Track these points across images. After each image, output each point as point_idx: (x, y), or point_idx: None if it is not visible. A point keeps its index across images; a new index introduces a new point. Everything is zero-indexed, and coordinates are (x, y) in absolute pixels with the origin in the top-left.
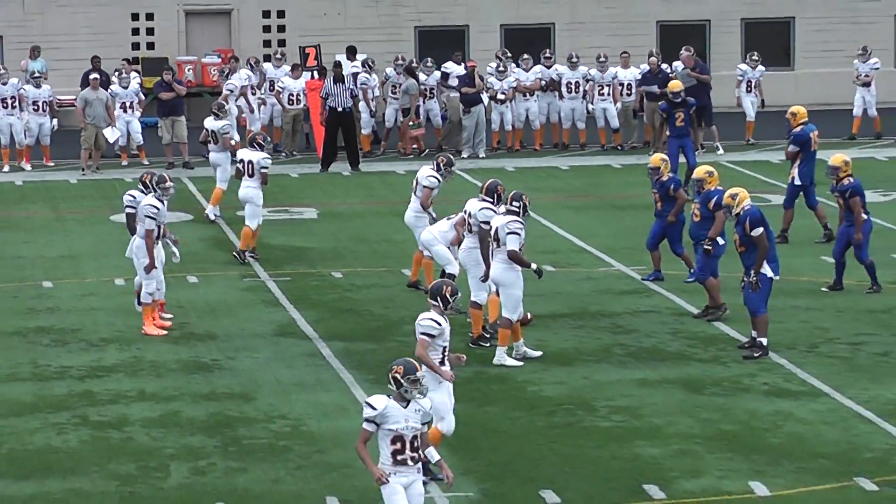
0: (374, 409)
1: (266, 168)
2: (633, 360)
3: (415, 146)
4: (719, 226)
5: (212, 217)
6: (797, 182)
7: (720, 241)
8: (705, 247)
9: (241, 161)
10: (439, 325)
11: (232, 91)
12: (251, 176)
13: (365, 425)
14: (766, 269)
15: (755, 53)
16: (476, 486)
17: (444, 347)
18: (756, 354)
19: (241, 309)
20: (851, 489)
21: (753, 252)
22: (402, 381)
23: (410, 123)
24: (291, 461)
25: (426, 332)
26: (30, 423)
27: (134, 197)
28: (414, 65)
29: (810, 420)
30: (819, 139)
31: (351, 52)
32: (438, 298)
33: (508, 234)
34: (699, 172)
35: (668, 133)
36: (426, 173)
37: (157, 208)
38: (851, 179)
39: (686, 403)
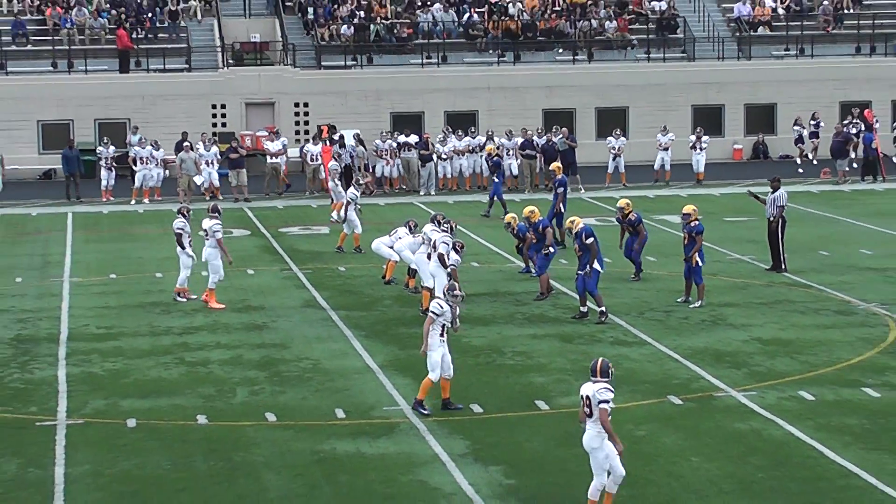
0: (613, 392)
1: (352, 199)
2: (528, 322)
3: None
4: (549, 237)
5: (334, 218)
6: (562, 210)
7: (552, 248)
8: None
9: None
10: (442, 307)
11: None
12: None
13: (608, 406)
14: (597, 265)
15: (617, 129)
16: (428, 404)
17: (444, 325)
18: (603, 319)
19: (281, 290)
20: (665, 403)
21: (587, 255)
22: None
23: (361, 174)
24: (313, 386)
25: (433, 311)
26: (147, 362)
27: (184, 223)
28: (361, 136)
29: (639, 360)
30: (642, 184)
31: (332, 129)
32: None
33: (441, 242)
34: (526, 212)
35: (496, 179)
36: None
37: (221, 224)
38: (634, 216)
39: (561, 349)
